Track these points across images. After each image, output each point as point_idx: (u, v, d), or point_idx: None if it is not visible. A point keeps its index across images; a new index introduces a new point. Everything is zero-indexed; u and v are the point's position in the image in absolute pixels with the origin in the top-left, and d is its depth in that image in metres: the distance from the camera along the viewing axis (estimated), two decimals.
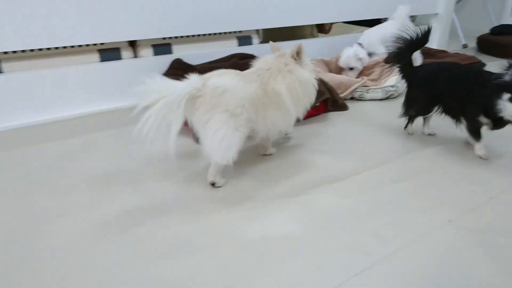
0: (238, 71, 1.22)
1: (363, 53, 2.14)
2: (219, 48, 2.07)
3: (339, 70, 2.26)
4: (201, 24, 1.95)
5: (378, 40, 2.22)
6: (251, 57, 2.10)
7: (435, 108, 1.45)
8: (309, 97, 1.32)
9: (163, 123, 1.05)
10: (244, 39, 2.15)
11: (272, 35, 2.48)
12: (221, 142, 1.11)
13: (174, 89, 1.07)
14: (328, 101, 1.77)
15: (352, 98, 2.00)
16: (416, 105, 1.52)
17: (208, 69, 1.46)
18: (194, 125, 1.16)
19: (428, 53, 2.72)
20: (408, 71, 1.52)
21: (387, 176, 1.29)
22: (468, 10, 4.01)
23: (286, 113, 1.24)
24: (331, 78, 1.99)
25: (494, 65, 2.71)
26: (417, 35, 1.47)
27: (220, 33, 2.08)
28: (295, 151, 1.46)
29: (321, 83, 1.81)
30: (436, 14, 3.02)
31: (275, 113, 1.21)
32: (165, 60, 1.89)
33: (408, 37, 1.46)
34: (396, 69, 1.55)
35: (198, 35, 2.03)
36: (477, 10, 3.96)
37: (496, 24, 3.76)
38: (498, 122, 1.33)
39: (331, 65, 2.28)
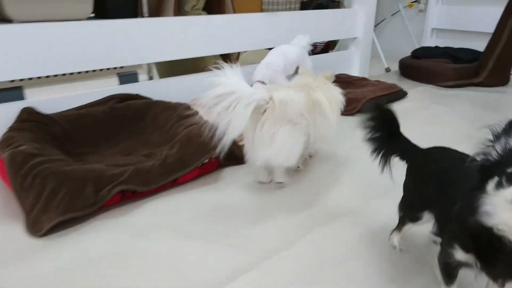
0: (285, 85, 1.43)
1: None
2: (94, 88, 1.68)
3: None
4: (65, 60, 1.56)
5: (281, 72, 1.95)
6: (137, 97, 1.75)
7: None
8: (339, 112, 1.43)
9: (226, 118, 1.09)
10: (127, 76, 1.78)
11: (168, 68, 2.13)
12: (289, 150, 1.21)
13: (245, 90, 1.12)
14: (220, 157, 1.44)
15: None
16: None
17: (75, 119, 1.22)
18: (252, 134, 1.19)
19: (347, 81, 2.51)
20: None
21: None
22: (390, 31, 3.93)
23: (327, 120, 1.33)
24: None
25: (415, 92, 2.56)
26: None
27: (94, 70, 1.70)
28: None
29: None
30: (355, 38, 2.83)
31: (320, 118, 1.30)
32: (14, 109, 1.46)
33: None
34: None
35: (63, 74, 1.64)
36: (399, 31, 3.88)
37: (417, 45, 3.69)
38: (494, 258, 0.67)
39: None
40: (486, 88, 2.71)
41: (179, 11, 2.00)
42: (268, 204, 1.25)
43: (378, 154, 0.96)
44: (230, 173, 1.44)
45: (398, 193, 0.98)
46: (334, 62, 2.72)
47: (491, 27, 3.23)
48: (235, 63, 2.34)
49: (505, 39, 2.60)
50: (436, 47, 3.24)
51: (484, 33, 3.30)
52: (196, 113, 1.68)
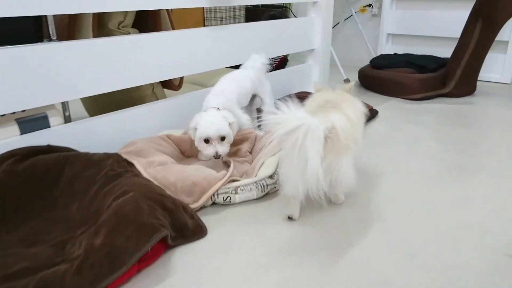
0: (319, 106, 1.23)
1: (230, 116, 1.48)
2: None
3: (195, 151, 1.56)
4: None
5: (235, 101, 1.59)
6: (48, 150, 1.29)
7: None
8: (362, 126, 1.29)
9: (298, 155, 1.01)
10: (31, 122, 1.32)
11: (95, 102, 1.69)
12: (350, 177, 1.14)
13: (313, 122, 1.02)
14: (168, 237, 1.03)
15: (214, 204, 1.30)
16: None
17: None
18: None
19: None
20: None
21: None
22: (343, 37, 3.68)
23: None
24: (179, 174, 1.27)
25: (383, 108, 2.30)
26: None
27: None
28: None
29: (156, 199, 1.08)
30: (313, 50, 2.52)
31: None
32: None
33: None
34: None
35: None
36: (353, 37, 3.65)
37: (373, 52, 3.46)
38: None
39: (184, 144, 1.57)
40: (454, 99, 2.50)
41: (101, 29, 1.56)
42: None
43: None
44: (182, 259, 1.04)
45: None
46: (291, 78, 2.39)
47: (447, 32, 3.07)
48: (177, 89, 1.95)
49: (472, 46, 2.40)
50: (395, 54, 3.02)
51: (441, 38, 3.14)
52: (131, 168, 1.27)
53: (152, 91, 1.76)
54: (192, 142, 1.56)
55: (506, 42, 2.84)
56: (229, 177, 1.30)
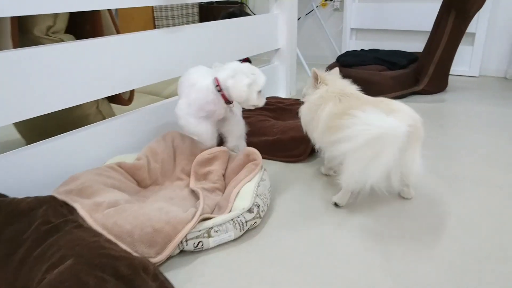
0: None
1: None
2: None
3: (155, 178, 1.29)
4: None
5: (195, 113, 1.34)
6: None
7: None
8: None
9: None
10: None
11: (31, 126, 1.38)
12: (421, 167, 1.12)
13: (396, 124, 1.03)
14: None
15: (183, 252, 1.05)
16: None
17: None
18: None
19: (280, 108, 1.97)
20: None
21: None
22: (305, 33, 3.49)
23: None
24: (136, 219, 1.00)
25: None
26: None
27: None
28: None
29: (106, 264, 0.81)
30: (278, 49, 2.30)
31: None
32: None
33: None
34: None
35: None
36: (315, 33, 3.46)
37: (337, 48, 3.30)
38: None
39: (140, 172, 1.29)
40: (427, 97, 2.37)
41: (24, 37, 1.25)
42: None
43: None
44: None
45: None
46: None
47: (413, 25, 2.95)
48: (127, 104, 1.66)
49: (445, 39, 2.27)
50: (362, 50, 2.86)
51: (407, 31, 3.02)
52: (72, 216, 0.98)
53: (97, 108, 1.46)
54: (149, 168, 1.30)
55: (473, 34, 2.75)
56: (200, 216, 1.05)
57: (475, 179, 1.38)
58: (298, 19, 3.41)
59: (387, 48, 2.92)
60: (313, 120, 1.31)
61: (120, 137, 1.42)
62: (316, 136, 1.30)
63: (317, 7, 3.30)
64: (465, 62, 2.82)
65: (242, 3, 3.33)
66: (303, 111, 1.38)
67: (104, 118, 1.48)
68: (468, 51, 2.80)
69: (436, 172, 1.43)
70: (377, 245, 1.05)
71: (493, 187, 1.32)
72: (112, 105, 1.57)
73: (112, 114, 1.51)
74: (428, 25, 2.59)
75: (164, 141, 1.39)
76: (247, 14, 2.29)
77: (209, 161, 1.32)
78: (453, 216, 1.17)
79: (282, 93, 2.36)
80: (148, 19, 2.89)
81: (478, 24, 2.69)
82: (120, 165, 1.26)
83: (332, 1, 3.28)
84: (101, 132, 1.36)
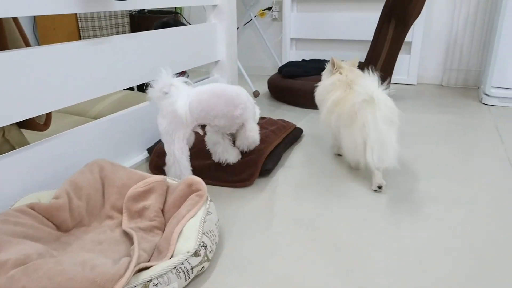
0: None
1: None
2: None
3: (80, 219, 1.08)
4: None
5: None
6: None
7: None
8: None
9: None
10: None
11: None
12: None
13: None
14: None
15: None
16: None
17: None
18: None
19: None
20: None
21: None
22: (245, 44, 3.38)
23: None
24: (52, 280, 0.79)
25: (306, 124, 2.02)
26: None
27: None
28: None
29: None
30: (217, 61, 2.15)
31: None
32: None
33: None
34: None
35: None
36: (255, 43, 3.36)
37: (277, 59, 3.22)
38: None
39: (60, 213, 1.07)
40: None
41: None
42: None
43: None
44: None
45: None
46: None
47: (353, 34, 2.94)
48: (44, 129, 1.42)
49: (387, 48, 2.25)
50: (304, 61, 2.79)
51: (347, 41, 3.01)
52: None
53: (3, 137, 1.21)
54: (71, 207, 1.08)
55: (410, 43, 2.79)
56: (134, 268, 0.86)
57: (429, 193, 1.31)
58: (237, 29, 3.29)
59: (328, 58, 2.88)
60: (323, 101, 1.51)
61: (34, 171, 1.18)
62: (323, 115, 1.51)
63: (255, 16, 3.20)
64: (403, 70, 2.85)
65: (176, 13, 3.15)
66: (317, 91, 1.58)
67: (13, 148, 1.23)
68: (405, 60, 2.83)
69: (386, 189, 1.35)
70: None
71: (450, 203, 1.26)
72: (25, 131, 1.32)
73: (23, 143, 1.26)
74: (368, 35, 2.58)
75: (89, 172, 1.18)
76: (182, 24, 2.11)
77: (144, 194, 1.13)
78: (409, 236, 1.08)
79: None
80: (72, 31, 2.62)
81: (414, 33, 2.73)
82: (33, 206, 1.03)
83: (270, 11, 3.20)
84: (9, 166, 1.12)
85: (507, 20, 2.17)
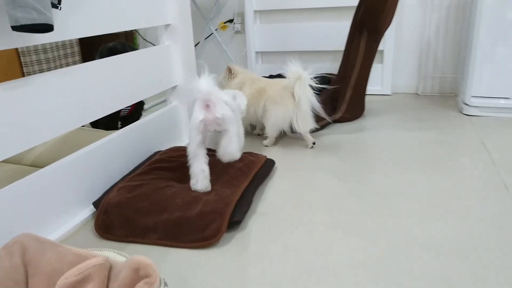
0: None
1: None
2: None
3: None
4: None
5: None
6: None
7: None
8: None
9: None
10: None
11: None
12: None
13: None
14: None
15: None
16: None
17: None
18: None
19: (184, 164, 1.58)
20: None
21: None
22: (207, 59, 3.14)
23: None
24: None
25: (275, 155, 1.80)
26: None
27: None
28: None
29: None
30: (175, 87, 1.92)
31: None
32: None
33: None
34: None
35: None
36: (217, 58, 3.13)
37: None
38: None
39: None
40: (346, 126, 2.16)
41: None
42: None
43: None
44: None
45: None
46: (153, 131, 1.75)
47: (320, 45, 2.77)
48: None
49: (360, 61, 2.08)
50: (271, 76, 2.59)
51: (315, 52, 2.83)
52: None
53: None
54: None
55: (382, 52, 2.63)
56: None
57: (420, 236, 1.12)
58: (197, 45, 3.07)
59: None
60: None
61: None
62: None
63: (216, 30, 2.98)
64: (377, 80, 2.69)
65: (132, 32, 2.89)
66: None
67: None
68: (378, 69, 2.67)
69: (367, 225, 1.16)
70: None
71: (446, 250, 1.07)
72: None
73: None
74: (337, 44, 2.42)
75: (8, 256, 0.92)
76: (133, 49, 1.86)
77: (79, 286, 0.88)
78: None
79: (187, 140, 1.98)
80: (13, 67, 2.31)
81: (386, 41, 2.58)
82: None
83: (232, 23, 2.99)
84: None
85: (483, 27, 2.04)
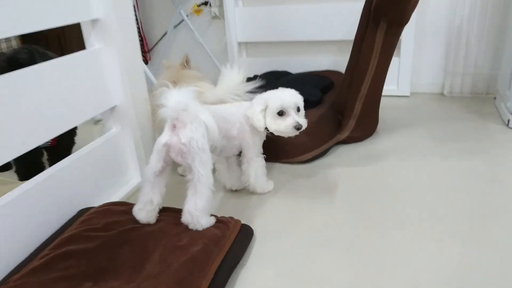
0: None
1: None
2: None
3: None
4: None
5: None
6: None
7: None
8: None
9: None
10: None
11: None
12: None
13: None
14: None
15: None
16: None
17: None
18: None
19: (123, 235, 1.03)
20: None
21: None
22: (177, 53, 2.56)
23: None
24: None
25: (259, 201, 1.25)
26: None
27: None
28: None
29: None
30: (113, 107, 1.35)
31: None
32: None
33: None
34: None
35: None
36: (193, 53, 2.53)
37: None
38: None
39: None
40: (354, 149, 1.60)
41: None
42: None
43: None
44: None
45: None
46: (85, 169, 1.20)
47: (320, 34, 2.18)
48: None
49: (374, 65, 1.51)
50: (255, 77, 2.01)
51: (313, 42, 2.25)
52: None
53: None
54: None
55: (399, 42, 2.05)
56: None
57: None
58: (165, 34, 2.47)
59: (289, 67, 2.14)
60: None
61: None
62: None
63: (188, 15, 2.38)
64: (392, 78, 2.12)
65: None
66: None
67: None
68: (394, 64, 2.09)
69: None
70: None
71: None
72: None
73: None
74: (340, 33, 1.86)
75: None
76: (45, 57, 1.27)
77: None
78: None
79: (136, 180, 1.43)
80: None
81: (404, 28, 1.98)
82: None
83: (208, 6, 2.38)
84: None
85: None
